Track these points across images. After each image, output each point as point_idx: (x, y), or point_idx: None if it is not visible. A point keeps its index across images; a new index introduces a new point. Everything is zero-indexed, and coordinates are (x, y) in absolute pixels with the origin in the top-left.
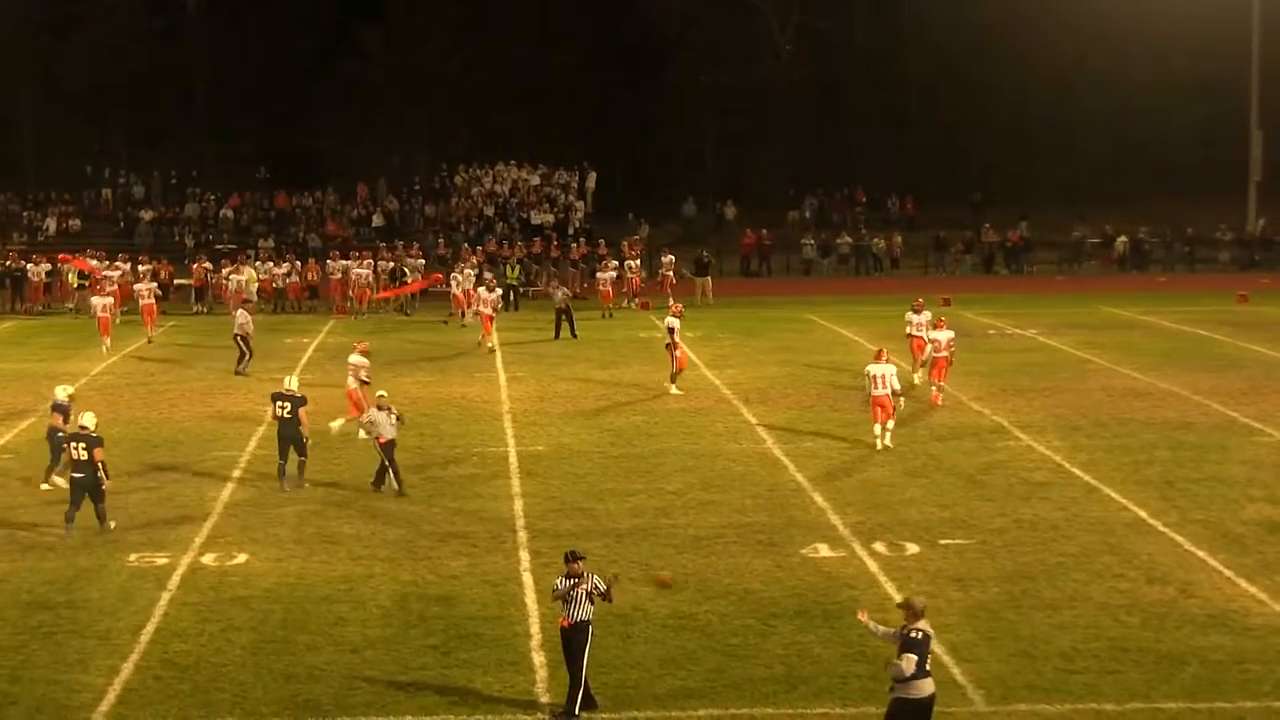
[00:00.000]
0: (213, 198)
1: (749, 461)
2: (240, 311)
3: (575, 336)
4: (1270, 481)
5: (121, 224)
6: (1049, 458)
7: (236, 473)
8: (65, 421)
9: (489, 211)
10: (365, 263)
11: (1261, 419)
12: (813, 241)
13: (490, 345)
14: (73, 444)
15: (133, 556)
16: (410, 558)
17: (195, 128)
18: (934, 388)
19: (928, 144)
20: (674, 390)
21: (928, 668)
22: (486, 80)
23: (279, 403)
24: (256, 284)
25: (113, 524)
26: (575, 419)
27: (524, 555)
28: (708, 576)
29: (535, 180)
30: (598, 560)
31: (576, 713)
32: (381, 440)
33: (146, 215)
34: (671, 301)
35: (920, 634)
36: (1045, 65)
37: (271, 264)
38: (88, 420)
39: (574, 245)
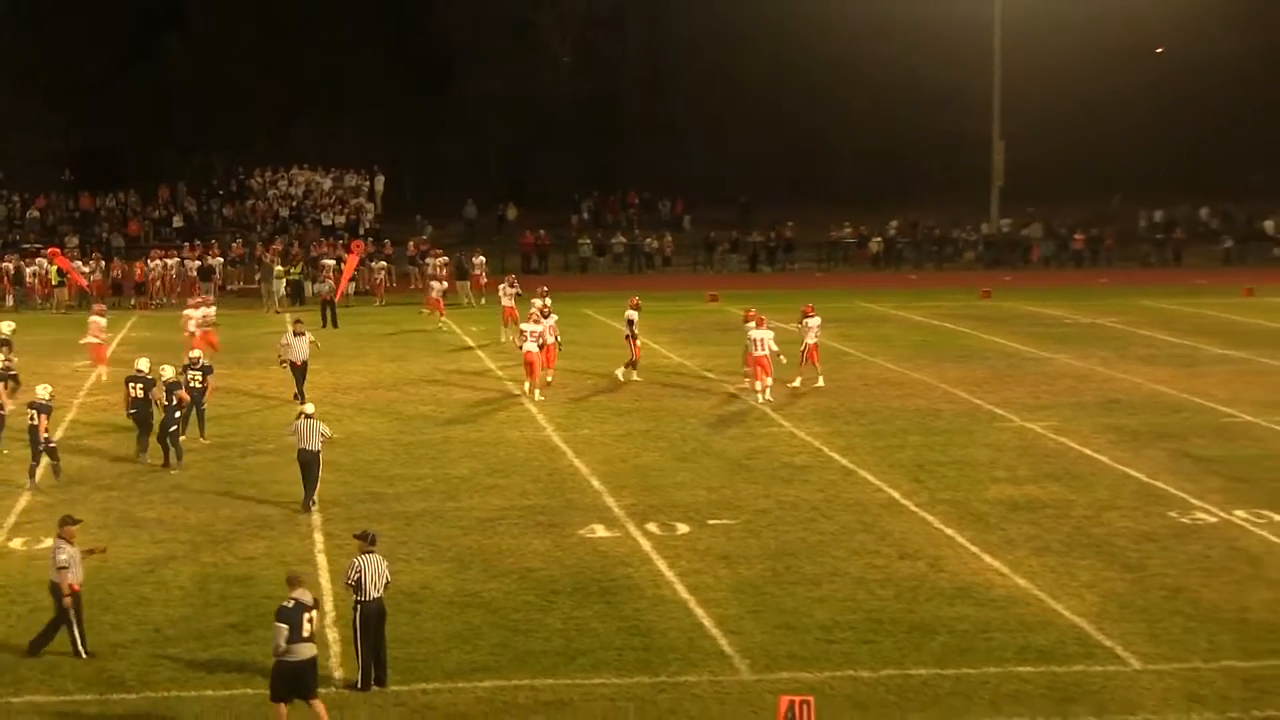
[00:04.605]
0: (17, 199)
1: (530, 448)
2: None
3: (336, 327)
4: (1011, 464)
5: None
6: (809, 443)
7: (44, 460)
8: None
9: (284, 213)
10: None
11: (1003, 405)
12: (589, 241)
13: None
14: (130, 384)
15: None
16: (210, 541)
17: (0, 130)
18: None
19: (696, 150)
20: (635, 376)
21: (305, 634)
22: (282, 86)
23: (132, 384)
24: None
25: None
26: (367, 408)
27: (318, 538)
28: (491, 556)
29: (327, 184)
30: (388, 542)
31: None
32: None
33: None
34: (634, 297)
35: (293, 603)
36: (806, 78)
37: (79, 262)
38: (143, 364)
39: (353, 244)
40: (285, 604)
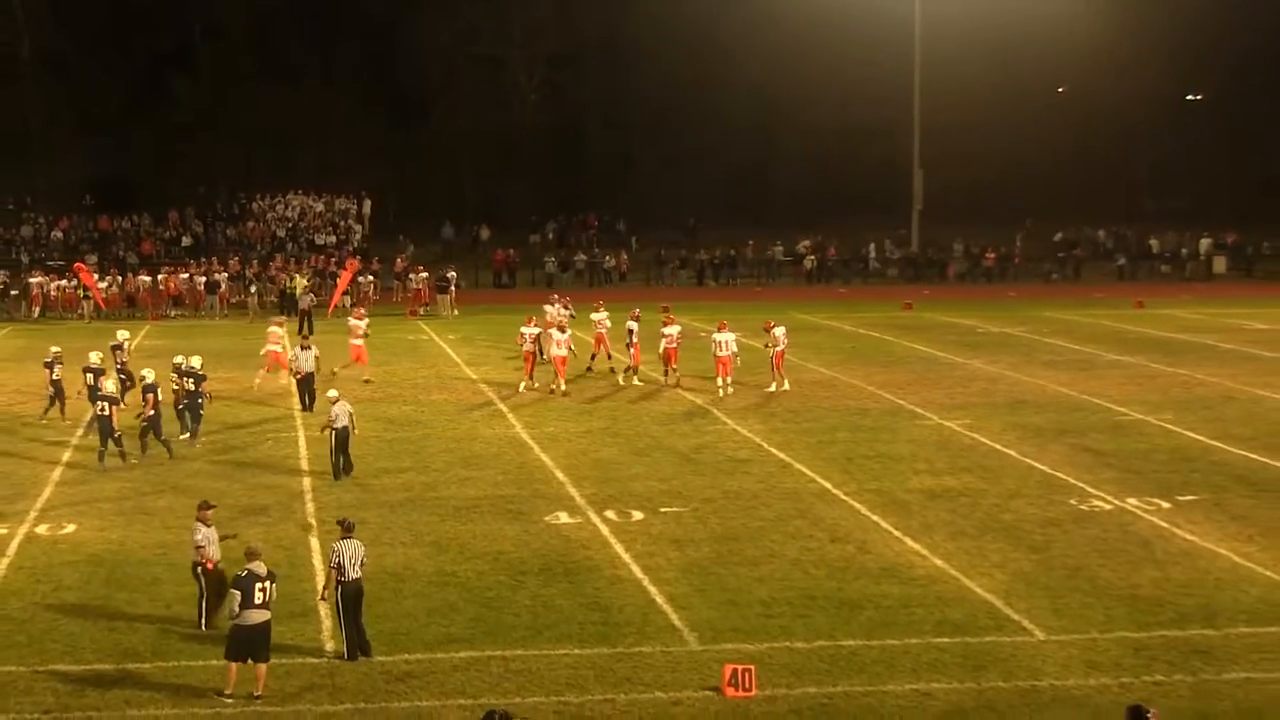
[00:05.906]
0: (43, 221)
1: (501, 444)
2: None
3: (310, 333)
4: (930, 457)
5: None
6: (750, 439)
7: (66, 455)
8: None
9: (281, 234)
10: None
11: (923, 405)
12: (553, 258)
13: (563, 389)
14: (184, 379)
15: None
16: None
17: (28, 160)
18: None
19: (649, 178)
20: (635, 381)
21: (258, 601)
22: (279, 120)
23: (184, 379)
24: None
25: (199, 444)
26: (354, 408)
27: (312, 524)
28: (467, 540)
29: (320, 207)
30: (374, 528)
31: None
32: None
33: None
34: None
35: (246, 573)
36: (747, 114)
37: (97, 277)
38: (195, 361)
39: (348, 261)
40: (240, 573)
